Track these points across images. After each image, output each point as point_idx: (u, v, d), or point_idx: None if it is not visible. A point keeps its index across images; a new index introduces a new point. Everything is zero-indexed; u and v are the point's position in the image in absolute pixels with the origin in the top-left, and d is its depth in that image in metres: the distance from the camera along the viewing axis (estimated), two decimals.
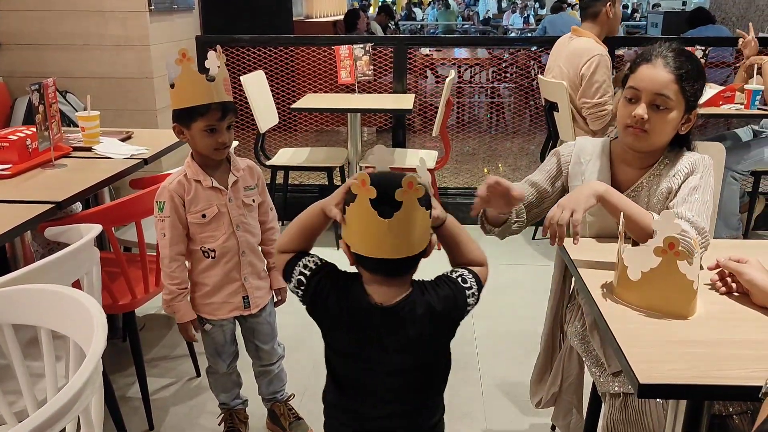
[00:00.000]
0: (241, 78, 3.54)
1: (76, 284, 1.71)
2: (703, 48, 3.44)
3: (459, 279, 1.22)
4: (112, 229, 2.06)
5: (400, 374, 1.23)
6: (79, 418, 1.34)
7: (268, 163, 3.78)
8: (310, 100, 3.85)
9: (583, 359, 1.71)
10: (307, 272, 1.21)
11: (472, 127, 6.49)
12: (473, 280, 1.22)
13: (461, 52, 7.83)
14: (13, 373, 1.49)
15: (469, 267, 1.25)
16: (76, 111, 3.48)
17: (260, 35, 4.44)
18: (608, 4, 3.36)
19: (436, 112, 3.72)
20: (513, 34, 14.45)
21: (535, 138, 5.78)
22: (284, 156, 3.94)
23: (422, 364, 1.24)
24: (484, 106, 7.11)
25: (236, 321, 2.01)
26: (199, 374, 2.54)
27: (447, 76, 3.72)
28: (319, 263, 1.23)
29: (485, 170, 5.44)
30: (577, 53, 3.33)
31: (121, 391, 2.43)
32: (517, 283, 3.33)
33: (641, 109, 1.52)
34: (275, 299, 2.05)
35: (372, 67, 3.95)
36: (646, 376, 1.03)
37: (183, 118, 1.75)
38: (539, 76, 3.65)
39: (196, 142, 1.77)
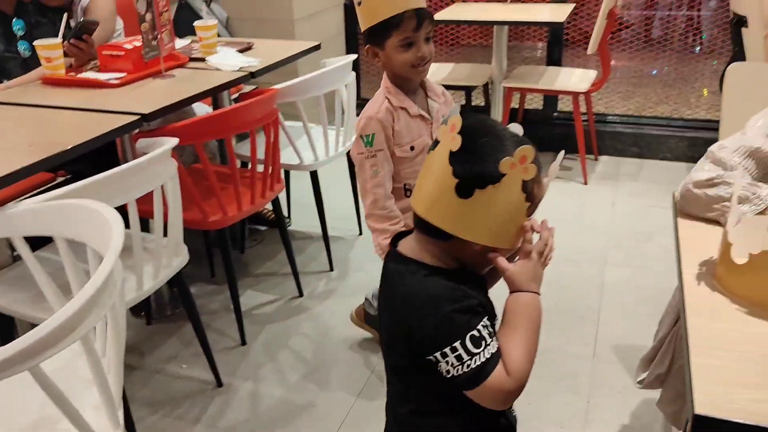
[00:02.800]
0: None
1: (150, 196, 1.70)
2: None
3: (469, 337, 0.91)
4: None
5: None
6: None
7: None
8: (456, 10, 3.52)
9: None
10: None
11: (662, 44, 5.65)
12: (479, 360, 0.91)
13: None
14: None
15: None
16: (220, 20, 3.51)
17: None
18: None
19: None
20: None
21: None
22: None
23: None
24: (677, 21, 6.18)
25: None
26: (301, 294, 2.52)
27: None
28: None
29: (704, 91, 4.73)
30: None
31: (226, 302, 2.48)
32: (668, 230, 2.88)
33: None
34: None
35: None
36: (708, 404, 0.74)
37: (375, 35, 1.57)
38: None
39: (392, 62, 1.57)
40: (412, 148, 1.65)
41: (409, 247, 1.01)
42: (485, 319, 0.93)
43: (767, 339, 0.86)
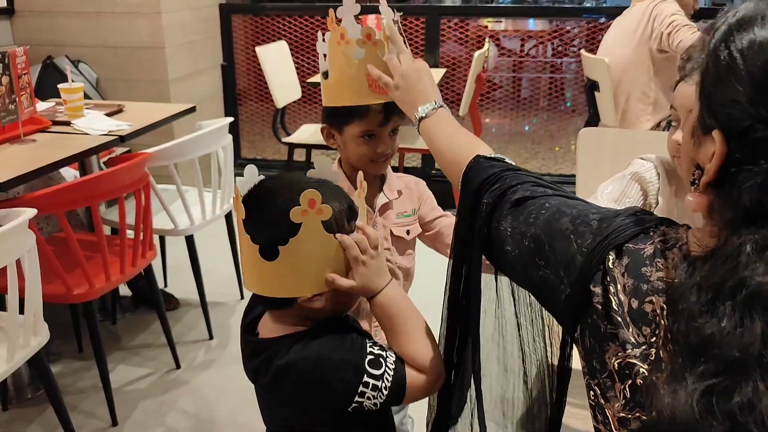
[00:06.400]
0: (257, 49, 3.33)
1: (5, 270, 1.57)
2: None
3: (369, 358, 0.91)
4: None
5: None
6: None
7: (285, 139, 3.58)
8: None
9: None
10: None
11: (531, 103, 6.03)
12: (389, 377, 0.91)
13: (530, 23, 7.35)
14: None
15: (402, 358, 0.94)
16: (89, 82, 3.39)
17: (285, 3, 4.23)
18: None
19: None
20: (588, 4, 13.63)
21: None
22: (305, 132, 3.73)
23: None
24: (543, 82, 6.65)
25: None
26: (178, 366, 2.39)
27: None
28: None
29: (556, 148, 5.07)
30: (637, 14, 2.94)
31: (95, 379, 2.30)
32: None
33: (677, 134, 1.18)
34: None
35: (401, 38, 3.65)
36: None
37: (334, 117, 1.33)
38: (582, 51, 3.28)
39: (348, 151, 1.35)
40: None
41: (268, 328, 0.98)
42: (367, 340, 0.93)
43: None
